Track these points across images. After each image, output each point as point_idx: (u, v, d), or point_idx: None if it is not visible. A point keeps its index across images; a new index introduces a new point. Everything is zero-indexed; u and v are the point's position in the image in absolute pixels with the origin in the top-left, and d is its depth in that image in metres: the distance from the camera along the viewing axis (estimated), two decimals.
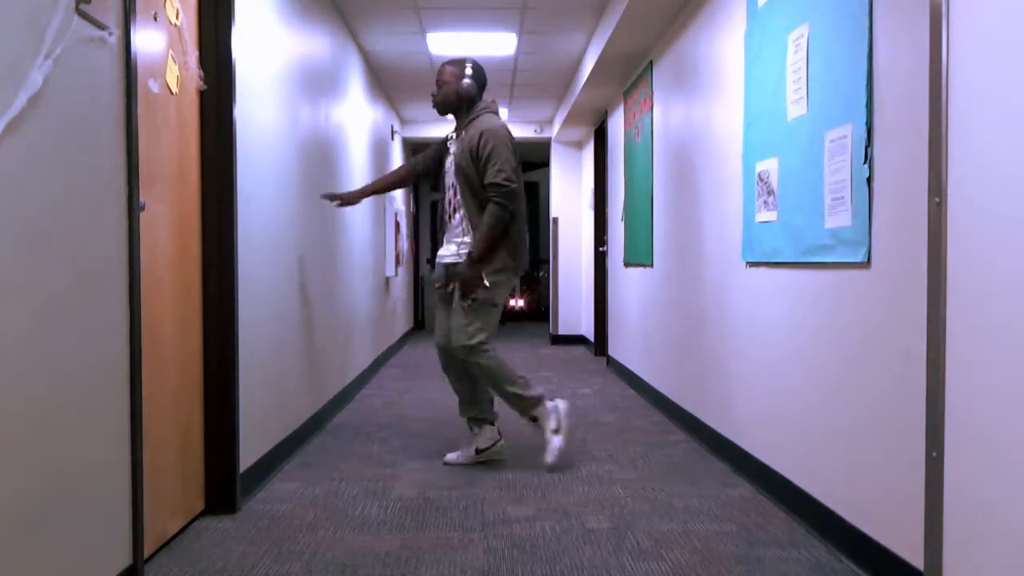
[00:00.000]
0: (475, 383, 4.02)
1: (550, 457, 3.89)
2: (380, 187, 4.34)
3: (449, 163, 4.05)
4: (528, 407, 3.92)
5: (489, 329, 3.88)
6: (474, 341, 3.84)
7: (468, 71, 3.99)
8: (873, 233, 2.57)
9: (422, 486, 3.61)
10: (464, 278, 3.82)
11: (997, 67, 1.93)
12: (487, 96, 4.24)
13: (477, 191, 3.87)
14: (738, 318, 3.88)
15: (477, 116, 3.97)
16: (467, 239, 3.93)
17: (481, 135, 3.85)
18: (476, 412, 4.04)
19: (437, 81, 4.05)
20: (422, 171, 4.28)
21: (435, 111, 4.12)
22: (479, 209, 3.87)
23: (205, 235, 3.17)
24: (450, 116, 4.08)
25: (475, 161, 3.85)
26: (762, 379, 3.55)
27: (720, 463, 4.00)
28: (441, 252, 4.10)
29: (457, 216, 3.97)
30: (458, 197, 3.94)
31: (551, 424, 3.92)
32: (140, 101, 2.52)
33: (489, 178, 3.82)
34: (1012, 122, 1.88)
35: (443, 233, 4.11)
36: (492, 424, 4.04)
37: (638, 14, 5.03)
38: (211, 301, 3.18)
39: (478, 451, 3.98)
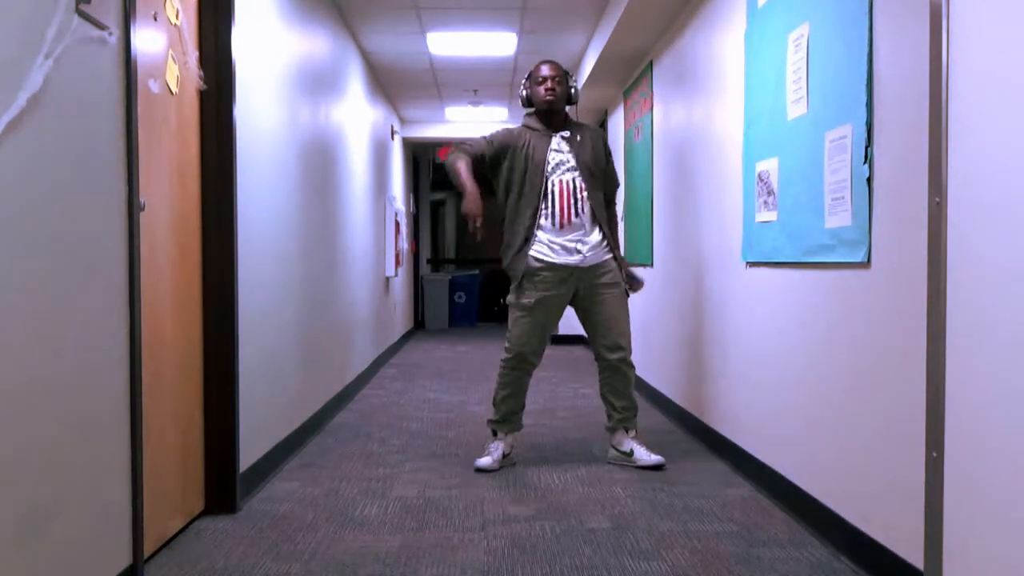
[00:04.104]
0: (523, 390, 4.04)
1: (650, 459, 3.90)
2: (472, 173, 4.03)
3: (561, 159, 3.94)
4: (635, 416, 4.06)
5: None
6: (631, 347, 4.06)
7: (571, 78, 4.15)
8: (873, 233, 2.57)
9: (422, 486, 3.61)
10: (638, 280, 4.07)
11: (997, 67, 1.93)
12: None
13: (601, 189, 4.02)
14: (738, 318, 3.88)
15: (577, 119, 4.20)
16: (598, 237, 3.93)
17: (603, 136, 4.11)
18: (518, 420, 4.05)
19: (556, 77, 4.00)
20: (481, 164, 4.03)
21: (549, 105, 3.96)
22: (606, 206, 4.06)
23: (205, 235, 3.17)
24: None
25: (602, 159, 4.05)
26: (762, 379, 3.55)
27: (720, 463, 3.99)
28: (561, 254, 3.89)
29: (585, 213, 3.93)
30: (583, 195, 3.92)
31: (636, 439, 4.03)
32: (140, 101, 2.52)
33: (615, 177, 4.11)
34: (1012, 122, 1.88)
35: (543, 229, 3.91)
36: (518, 432, 4.11)
37: (638, 14, 5.03)
38: (211, 301, 3.18)
39: (505, 456, 3.98)
